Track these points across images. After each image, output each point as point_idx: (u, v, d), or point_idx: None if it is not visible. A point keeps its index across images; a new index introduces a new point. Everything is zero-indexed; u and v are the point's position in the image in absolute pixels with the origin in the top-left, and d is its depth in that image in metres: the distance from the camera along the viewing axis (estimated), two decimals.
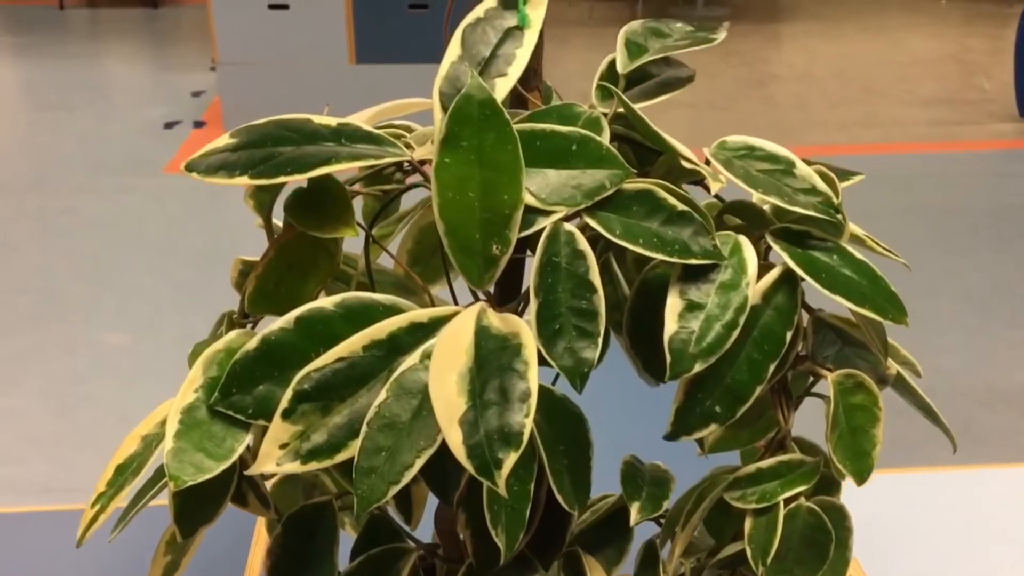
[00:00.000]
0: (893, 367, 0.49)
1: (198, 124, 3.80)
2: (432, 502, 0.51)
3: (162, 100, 4.06)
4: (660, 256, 0.41)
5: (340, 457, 0.39)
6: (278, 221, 0.48)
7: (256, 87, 3.67)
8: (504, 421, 0.36)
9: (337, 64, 3.67)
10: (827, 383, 0.46)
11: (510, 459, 0.36)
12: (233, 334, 0.45)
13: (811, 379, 0.49)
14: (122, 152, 3.45)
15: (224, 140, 0.42)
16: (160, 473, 0.48)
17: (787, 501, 0.46)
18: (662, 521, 0.52)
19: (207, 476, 0.40)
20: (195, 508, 0.45)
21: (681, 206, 0.41)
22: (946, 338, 2.39)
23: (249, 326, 0.47)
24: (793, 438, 0.50)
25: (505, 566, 0.47)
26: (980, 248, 2.87)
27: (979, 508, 1.00)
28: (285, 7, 3.59)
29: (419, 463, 0.38)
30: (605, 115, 0.45)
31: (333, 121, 0.42)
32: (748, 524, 0.46)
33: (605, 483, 0.52)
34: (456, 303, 0.43)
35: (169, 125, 3.77)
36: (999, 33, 5.57)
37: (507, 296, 0.45)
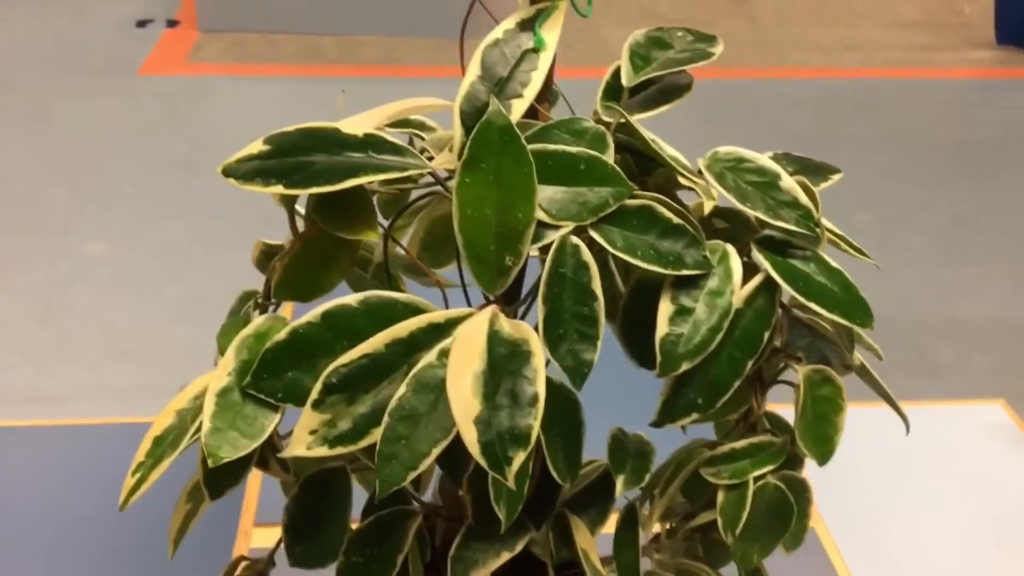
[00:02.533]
0: (858, 358, 0.54)
1: (171, 23, 3.72)
2: (438, 469, 0.56)
3: None
4: (656, 268, 0.45)
5: (363, 443, 0.44)
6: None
7: None
8: (515, 423, 0.41)
9: None
10: (797, 375, 0.51)
11: (519, 457, 0.40)
12: (261, 319, 0.48)
13: (783, 366, 0.54)
14: (95, 52, 3.38)
15: (256, 147, 0.45)
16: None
17: (756, 478, 0.51)
18: (642, 486, 0.57)
19: (241, 453, 0.45)
20: (223, 474, 0.49)
21: (676, 220, 0.46)
22: (909, 269, 2.46)
23: (271, 308, 0.51)
24: (765, 413, 0.56)
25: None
26: (948, 181, 2.92)
27: (922, 441, 1.09)
28: None
29: (435, 452, 0.43)
30: (608, 126, 0.48)
31: (360, 132, 0.45)
32: (720, 497, 0.52)
33: (591, 448, 0.57)
34: (468, 301, 0.47)
35: (141, 24, 3.68)
36: None
37: (512, 296, 0.49)
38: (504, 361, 0.42)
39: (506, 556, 0.53)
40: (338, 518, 0.54)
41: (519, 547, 0.53)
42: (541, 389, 0.41)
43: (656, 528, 0.58)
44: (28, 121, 2.89)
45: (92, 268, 2.22)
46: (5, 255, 2.25)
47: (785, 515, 0.52)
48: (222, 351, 0.49)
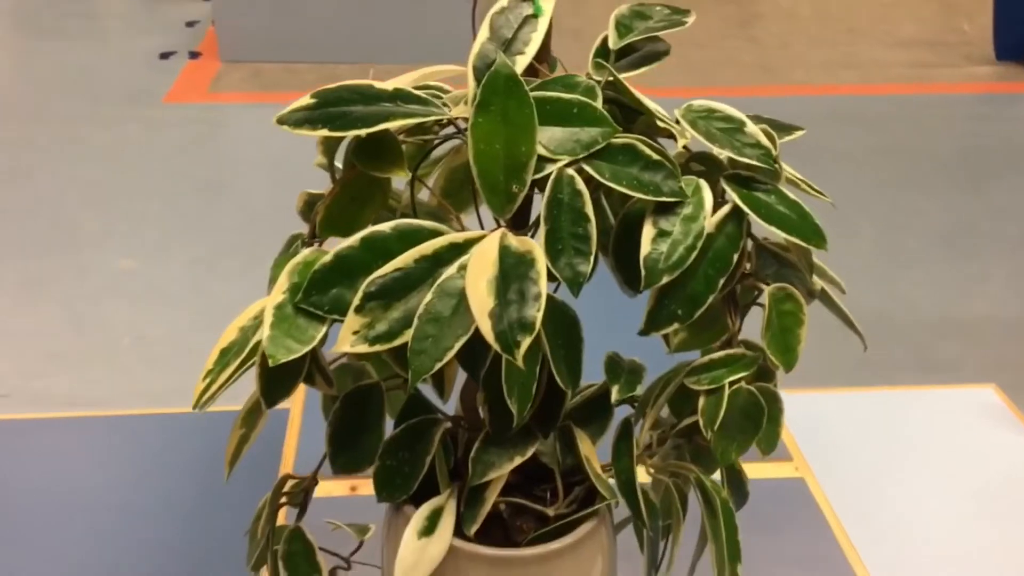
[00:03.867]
0: (819, 283, 0.63)
1: (193, 55, 3.86)
2: (458, 385, 0.65)
3: (156, 30, 4.11)
4: (638, 195, 0.54)
5: (398, 342, 0.53)
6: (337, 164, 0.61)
7: (251, 17, 3.72)
8: (522, 314, 0.50)
9: None
10: (765, 294, 0.59)
11: (526, 341, 0.49)
12: (307, 251, 0.58)
13: (755, 293, 0.63)
14: (121, 82, 3.52)
15: (304, 100, 0.54)
16: (239, 366, 0.62)
17: (732, 384, 0.60)
18: (635, 405, 0.66)
19: (295, 356, 0.54)
20: (277, 385, 0.58)
21: (655, 156, 0.54)
22: (910, 271, 2.54)
23: (316, 244, 0.60)
24: (742, 340, 0.64)
25: (513, 435, 0.61)
26: (948, 188, 3.01)
27: (910, 425, 1.17)
28: None
29: (457, 346, 0.51)
30: (599, 83, 0.57)
31: (390, 86, 0.54)
32: (701, 402, 0.60)
33: (591, 376, 0.66)
34: (483, 228, 0.56)
35: (165, 55, 3.83)
36: None
37: (520, 224, 0.58)
38: (513, 268, 0.51)
39: (518, 459, 0.61)
40: (374, 428, 0.62)
41: (529, 452, 0.61)
42: (543, 288, 0.50)
43: (648, 439, 0.66)
44: (59, 147, 3.01)
45: (123, 282, 2.33)
46: (40, 271, 2.36)
47: (757, 417, 0.60)
48: (274, 279, 0.58)
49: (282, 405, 0.60)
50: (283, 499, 0.69)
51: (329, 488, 0.94)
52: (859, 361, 2.10)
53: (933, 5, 5.03)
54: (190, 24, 4.19)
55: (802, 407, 1.28)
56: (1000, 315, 2.35)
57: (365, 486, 0.95)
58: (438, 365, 0.51)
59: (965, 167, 3.17)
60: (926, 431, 1.26)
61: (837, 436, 1.21)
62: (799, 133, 0.65)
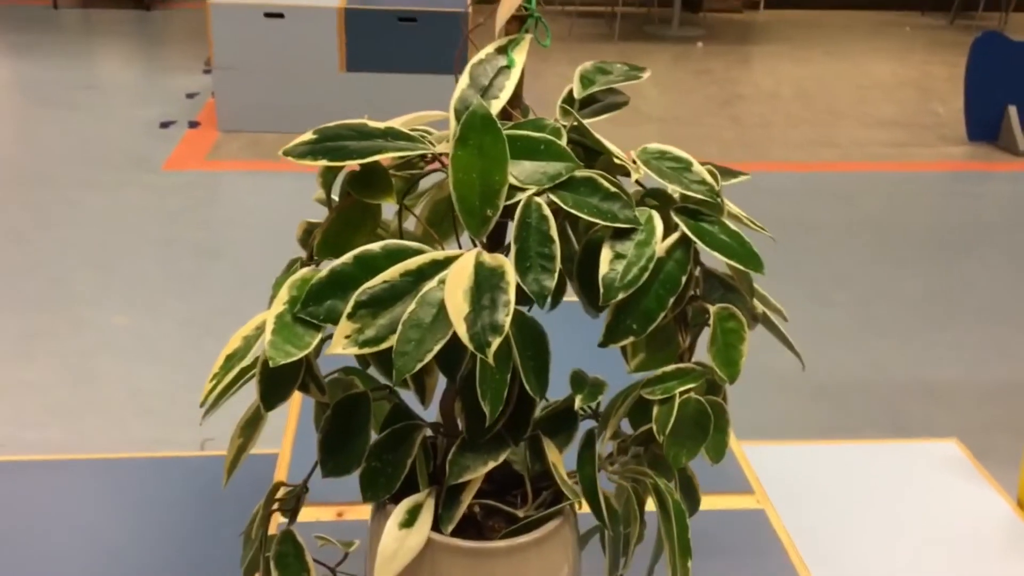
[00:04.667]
0: (760, 307, 0.70)
1: (193, 124, 3.99)
2: (437, 394, 0.72)
3: (157, 100, 4.25)
4: (597, 221, 0.62)
5: (384, 345, 0.60)
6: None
7: (250, 91, 3.86)
8: (493, 319, 0.57)
9: (328, 71, 3.87)
10: (711, 313, 0.67)
11: (496, 341, 0.56)
12: (305, 270, 0.65)
13: (705, 316, 0.70)
14: (122, 149, 3.63)
15: (307, 136, 0.62)
16: (242, 373, 0.69)
17: (682, 394, 0.67)
18: (599, 418, 0.73)
19: (292, 359, 0.61)
20: (275, 389, 0.65)
21: (613, 188, 0.63)
22: (884, 339, 2.62)
23: (313, 265, 0.68)
24: (694, 362, 0.71)
25: (487, 441, 0.67)
26: (922, 260, 3.11)
27: (876, 477, 1.23)
28: (280, 16, 3.79)
29: (436, 348, 0.58)
30: (565, 127, 0.66)
31: (382, 125, 0.63)
32: (655, 410, 0.67)
33: (559, 394, 0.73)
34: (460, 247, 0.64)
35: (165, 124, 3.95)
36: (958, 61, 5.85)
37: (494, 247, 0.65)
38: (486, 279, 0.58)
39: (491, 464, 0.68)
40: (361, 433, 0.69)
41: (502, 456, 0.68)
42: (511, 296, 0.58)
43: (610, 448, 0.73)
44: (59, 210, 3.10)
45: (118, 338, 2.39)
46: (36, 327, 2.42)
47: (705, 425, 0.67)
48: (275, 295, 0.65)
49: (277, 429, 0.66)
50: (275, 505, 0.75)
51: (317, 514, 1.00)
52: (831, 424, 2.16)
53: (909, 89, 5.22)
54: (190, 96, 4.33)
55: (771, 457, 1.35)
56: (969, 381, 2.42)
57: (351, 511, 1.01)
58: (419, 365, 0.58)
59: (938, 241, 3.28)
60: (889, 481, 1.32)
61: (804, 483, 1.27)
62: (743, 178, 0.73)
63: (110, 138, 3.77)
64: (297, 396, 1.13)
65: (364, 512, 0.99)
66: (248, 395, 0.66)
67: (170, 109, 4.13)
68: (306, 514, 0.99)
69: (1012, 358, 2.52)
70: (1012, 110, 4.22)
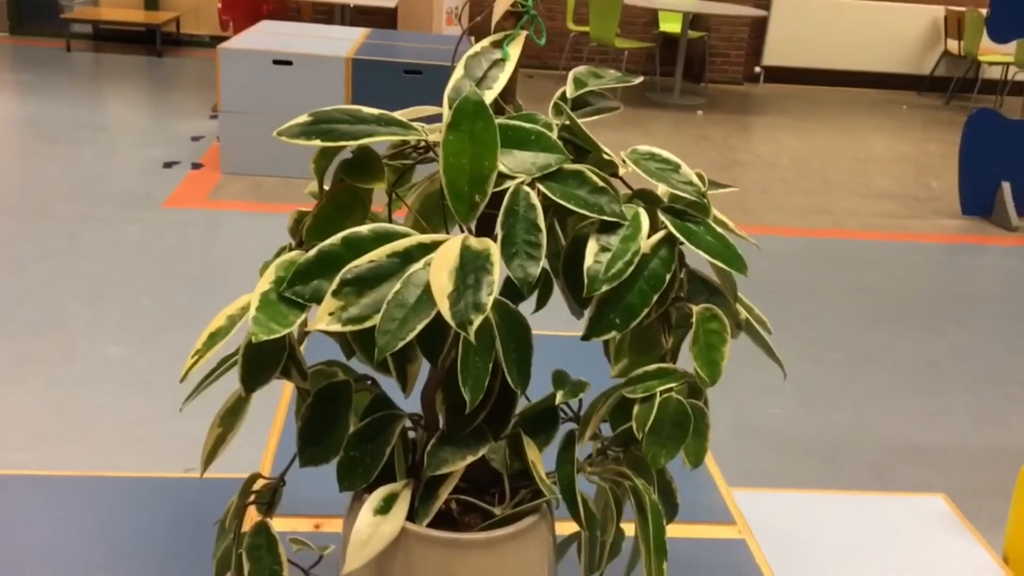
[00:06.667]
0: (743, 312, 0.71)
1: (196, 165, 4.02)
2: (419, 387, 0.72)
3: (163, 142, 4.29)
4: (585, 213, 0.62)
5: (367, 324, 0.60)
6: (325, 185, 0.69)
7: (254, 134, 3.91)
8: (476, 298, 0.57)
9: None
10: (693, 313, 0.67)
11: (478, 319, 0.57)
12: (293, 252, 0.66)
13: (689, 319, 0.71)
14: (124, 186, 3.66)
15: (302, 118, 0.64)
16: (223, 360, 0.69)
17: (663, 392, 0.67)
18: (579, 420, 0.73)
19: (275, 336, 0.61)
20: (256, 372, 0.65)
21: (600, 183, 0.63)
22: (877, 401, 2.61)
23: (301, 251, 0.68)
24: (677, 367, 0.71)
25: (466, 435, 0.67)
26: (914, 327, 3.12)
27: (867, 528, 1.22)
28: (289, 63, 3.85)
29: (419, 327, 0.59)
30: (556, 125, 0.67)
31: (376, 111, 0.64)
32: (636, 409, 0.67)
33: (541, 395, 0.73)
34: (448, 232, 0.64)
35: (168, 165, 3.99)
36: (953, 139, 5.94)
37: (482, 235, 0.66)
38: (471, 260, 0.59)
39: (470, 458, 0.67)
40: (341, 422, 0.69)
41: (481, 451, 0.68)
42: (496, 277, 0.58)
43: (589, 449, 0.72)
44: (58, 242, 3.11)
45: (109, 368, 2.38)
46: (28, 353, 2.41)
47: (685, 425, 0.67)
48: (263, 274, 0.66)
49: (261, 428, 0.66)
50: (251, 497, 0.74)
51: (295, 524, 0.99)
52: (820, 482, 2.15)
53: (905, 163, 5.29)
54: (195, 139, 4.38)
55: (759, 503, 1.34)
56: (958, 445, 2.41)
57: (329, 524, 0.99)
58: (401, 343, 0.59)
59: (930, 309, 3.29)
60: (875, 532, 1.31)
61: (791, 529, 1.26)
62: (730, 189, 0.74)
63: (113, 175, 3.80)
64: (286, 395, 1.12)
65: (342, 525, 0.98)
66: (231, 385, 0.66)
67: (174, 150, 4.17)
68: (284, 524, 0.98)
69: (1001, 425, 2.51)
70: (1006, 186, 4.27)
